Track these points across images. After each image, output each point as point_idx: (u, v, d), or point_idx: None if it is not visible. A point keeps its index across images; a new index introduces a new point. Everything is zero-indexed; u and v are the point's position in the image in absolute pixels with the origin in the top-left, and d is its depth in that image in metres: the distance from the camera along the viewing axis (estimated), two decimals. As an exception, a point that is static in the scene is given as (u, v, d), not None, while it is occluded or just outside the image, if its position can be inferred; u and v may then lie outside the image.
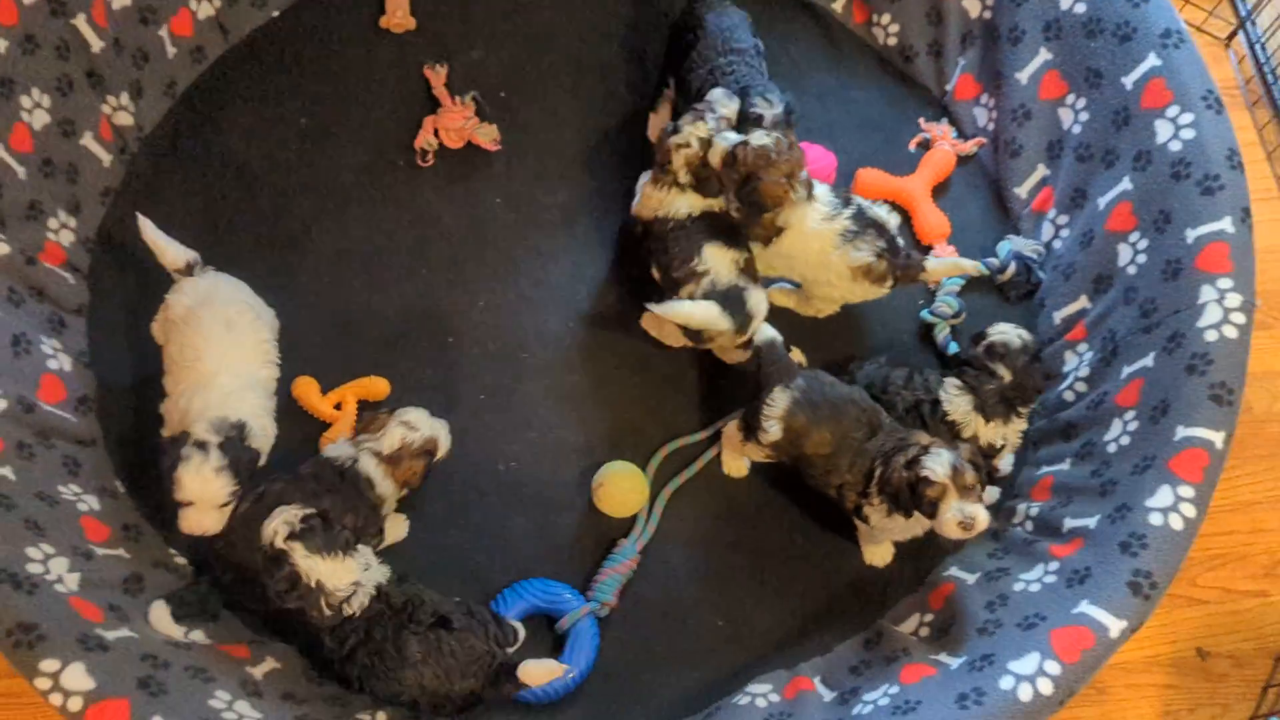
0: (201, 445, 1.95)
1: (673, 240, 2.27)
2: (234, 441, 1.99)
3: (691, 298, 2.22)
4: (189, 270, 2.21)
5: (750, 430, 2.18)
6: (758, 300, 2.23)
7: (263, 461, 2.11)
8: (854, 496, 2.11)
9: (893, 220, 2.33)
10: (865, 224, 2.27)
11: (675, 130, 2.26)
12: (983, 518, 1.93)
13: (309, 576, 1.87)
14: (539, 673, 1.98)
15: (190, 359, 2.08)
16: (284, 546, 1.86)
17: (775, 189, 2.19)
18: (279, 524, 1.87)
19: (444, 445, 2.18)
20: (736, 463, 2.34)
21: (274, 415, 2.17)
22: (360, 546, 1.97)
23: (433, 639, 1.95)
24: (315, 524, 1.90)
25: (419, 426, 2.13)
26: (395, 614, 1.95)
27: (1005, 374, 2.18)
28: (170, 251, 2.19)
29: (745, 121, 2.34)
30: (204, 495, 1.95)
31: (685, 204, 2.28)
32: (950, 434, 2.20)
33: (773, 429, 2.13)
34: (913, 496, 1.95)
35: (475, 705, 2.03)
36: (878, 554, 2.27)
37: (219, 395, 2.04)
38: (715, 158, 2.23)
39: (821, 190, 2.29)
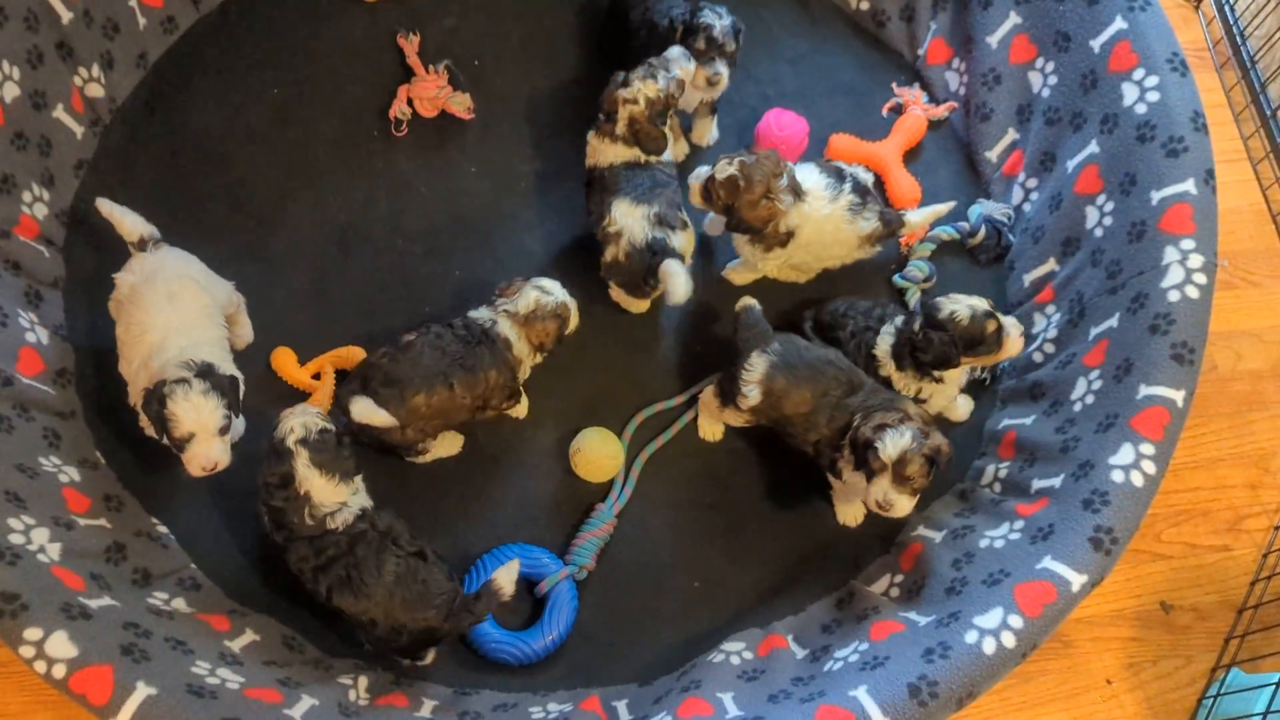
0: (181, 380, 1.97)
1: (593, 194, 2.34)
2: (208, 371, 2.00)
3: (615, 259, 2.30)
4: (143, 245, 2.20)
5: (729, 396, 2.21)
6: (682, 242, 2.29)
7: (242, 344, 2.25)
8: (829, 451, 2.15)
9: (869, 179, 2.40)
10: (862, 192, 2.32)
11: (625, 83, 2.29)
12: (900, 509, 2.01)
13: (301, 484, 1.93)
14: (506, 578, 2.03)
15: (136, 335, 2.09)
16: (291, 447, 1.92)
17: (759, 211, 2.23)
18: (296, 423, 1.94)
19: (573, 314, 2.28)
20: (713, 427, 2.38)
21: (234, 366, 2.18)
22: (356, 478, 2.03)
23: (410, 565, 2.00)
24: (328, 439, 1.96)
25: (552, 291, 2.24)
26: (380, 535, 2.00)
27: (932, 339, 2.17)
28: (127, 223, 2.20)
29: (695, 34, 2.38)
30: (201, 421, 1.96)
31: (612, 155, 2.32)
32: (871, 367, 2.25)
33: (752, 394, 2.16)
34: (856, 455, 2.03)
35: (424, 645, 2.08)
36: (850, 514, 2.31)
37: (174, 353, 2.04)
38: (695, 198, 2.29)
39: (812, 178, 2.31)
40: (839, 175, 2.33)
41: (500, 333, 2.21)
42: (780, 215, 2.25)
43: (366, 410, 2.10)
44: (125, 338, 2.12)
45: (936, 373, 2.20)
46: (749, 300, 2.26)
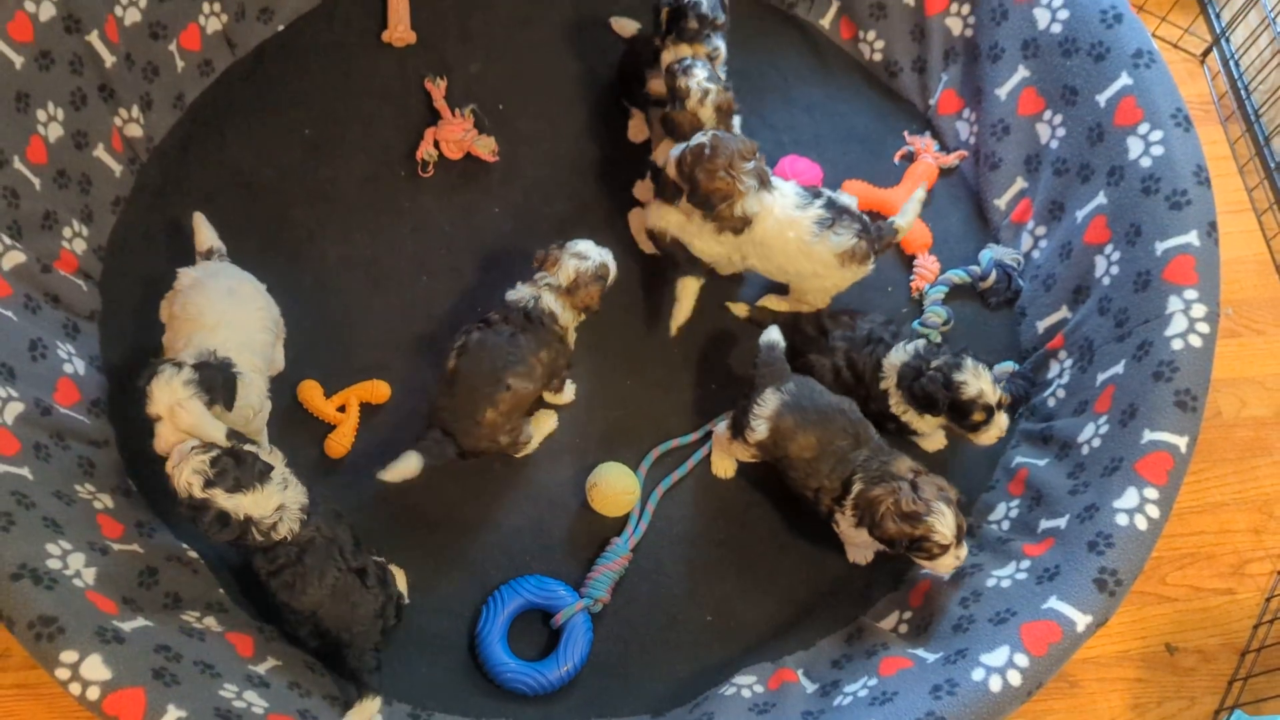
0: (177, 364, 2.04)
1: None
2: (210, 365, 2.06)
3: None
4: (209, 255, 2.36)
5: (738, 428, 2.27)
6: None
7: (259, 416, 2.25)
8: (828, 502, 2.19)
9: (853, 202, 2.46)
10: (838, 210, 2.34)
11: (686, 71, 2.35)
12: (964, 553, 2.10)
13: (238, 513, 1.95)
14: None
15: (193, 314, 2.19)
16: (204, 495, 1.93)
17: (718, 182, 2.25)
18: (190, 475, 1.92)
19: (612, 269, 2.34)
20: (725, 463, 2.43)
21: (267, 379, 2.28)
22: (274, 473, 2.02)
23: (347, 581, 2.06)
24: (227, 464, 1.94)
25: (590, 255, 2.30)
26: (327, 542, 2.06)
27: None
28: (204, 234, 2.38)
29: (683, 15, 2.41)
30: (172, 409, 2.00)
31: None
32: (874, 375, 2.31)
33: (760, 428, 2.21)
34: (910, 547, 2.06)
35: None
36: (860, 553, 2.36)
37: (217, 341, 2.14)
38: (670, 169, 2.32)
39: (788, 185, 2.36)
40: (815, 195, 2.35)
41: (545, 307, 2.27)
42: (738, 195, 2.27)
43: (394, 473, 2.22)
44: (180, 315, 2.21)
45: (920, 412, 2.27)
46: (774, 336, 2.28)
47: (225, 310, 2.21)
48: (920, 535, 2.03)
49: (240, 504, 1.94)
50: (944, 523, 2.02)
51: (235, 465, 1.95)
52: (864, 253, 2.35)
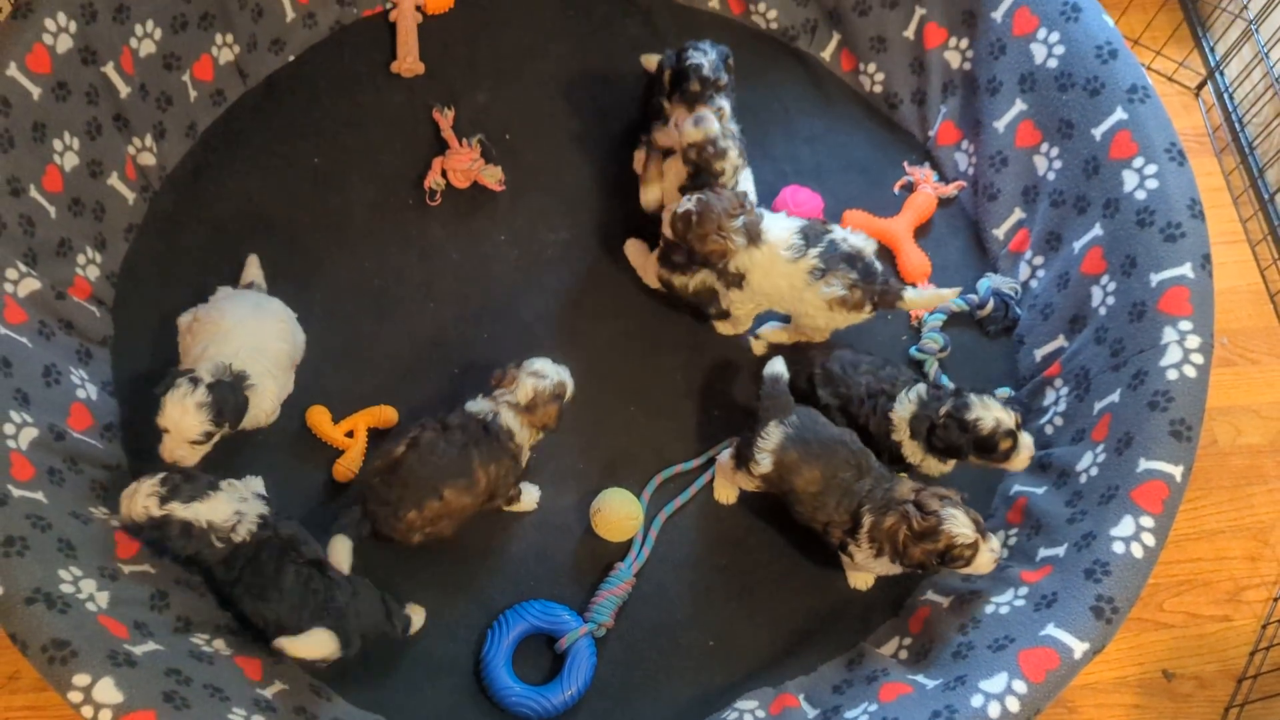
0: (194, 380, 2.12)
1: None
2: (225, 385, 2.15)
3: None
4: (249, 287, 2.51)
5: (742, 460, 2.29)
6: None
7: (270, 419, 2.38)
8: (839, 534, 2.21)
9: (869, 247, 2.38)
10: (835, 259, 2.33)
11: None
12: (997, 543, 2.11)
13: (198, 521, 2.01)
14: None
15: (214, 318, 2.31)
16: (163, 512, 2.00)
17: (710, 245, 2.30)
18: (143, 499, 2.00)
19: (569, 387, 2.33)
20: (727, 490, 2.46)
21: (280, 388, 2.38)
22: (232, 483, 2.11)
23: (304, 574, 2.09)
24: (176, 479, 2.04)
25: (547, 374, 2.28)
26: (282, 543, 2.10)
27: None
28: (252, 271, 2.55)
29: (686, 77, 2.47)
30: (179, 426, 2.12)
31: None
32: (884, 428, 2.32)
33: (764, 461, 2.23)
34: (943, 560, 2.07)
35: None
36: (860, 579, 2.39)
37: (232, 348, 2.23)
38: (666, 229, 2.37)
39: (782, 232, 2.35)
40: (817, 238, 2.34)
41: (502, 424, 2.24)
42: (731, 253, 2.31)
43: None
44: (203, 319, 2.33)
45: (946, 460, 2.29)
46: (778, 368, 2.29)
47: (245, 317, 2.33)
48: (944, 547, 2.05)
49: (198, 511, 2.02)
50: (959, 524, 2.04)
51: (184, 480, 2.05)
52: (855, 303, 2.35)
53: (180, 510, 2.01)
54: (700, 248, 2.31)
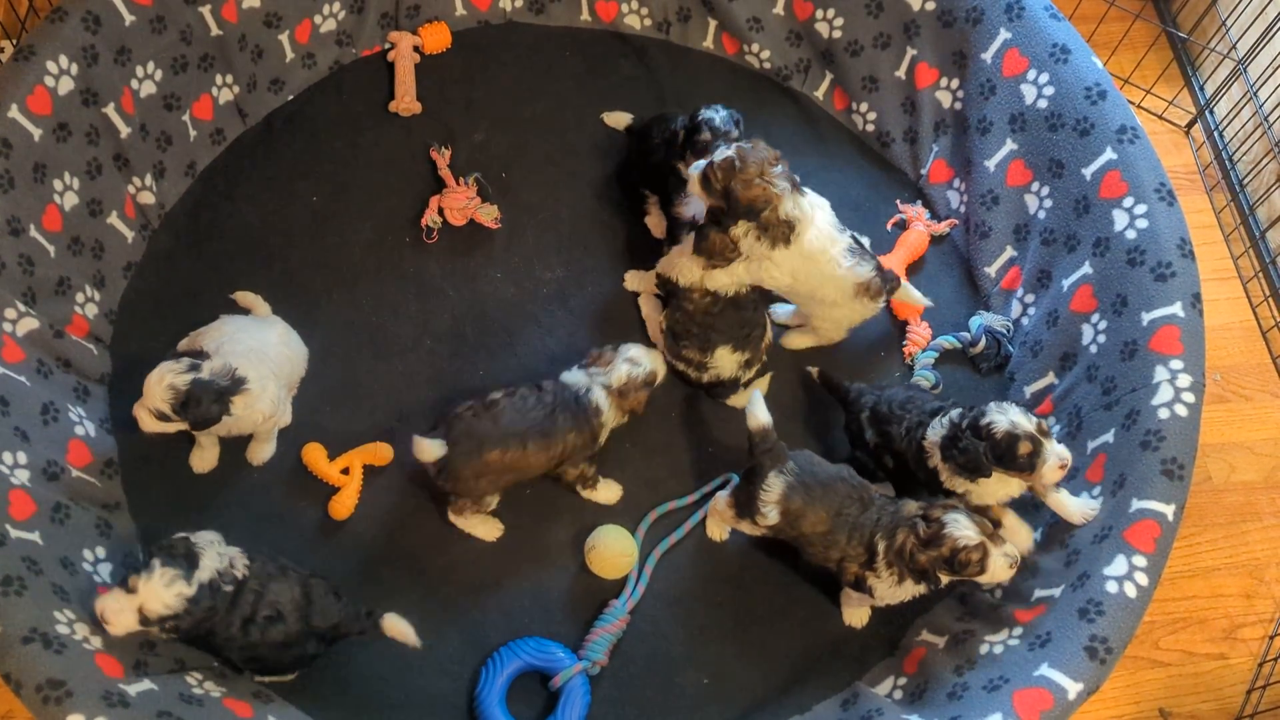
0: (193, 365, 2.17)
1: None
2: (210, 388, 2.16)
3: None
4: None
5: (746, 511, 2.27)
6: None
7: (284, 420, 2.45)
8: (854, 568, 2.19)
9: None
10: (859, 246, 2.45)
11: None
12: (1023, 544, 2.12)
13: (211, 574, 1.99)
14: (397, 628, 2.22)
15: (218, 325, 2.41)
16: (186, 588, 1.95)
17: (755, 190, 2.28)
18: (167, 597, 1.94)
19: (661, 374, 2.40)
20: (719, 528, 2.47)
21: (283, 390, 2.41)
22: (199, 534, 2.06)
23: (307, 581, 2.14)
24: (176, 551, 1.98)
25: (641, 362, 2.36)
26: (278, 567, 2.13)
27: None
28: (261, 309, 2.59)
29: (698, 130, 2.51)
30: (149, 392, 2.14)
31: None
32: (920, 455, 2.27)
33: (771, 514, 2.21)
34: (952, 566, 2.05)
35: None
36: (856, 615, 2.39)
37: (233, 343, 2.30)
38: (695, 187, 2.36)
39: (822, 201, 2.42)
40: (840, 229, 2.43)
41: (593, 400, 2.34)
42: (776, 199, 2.28)
43: (422, 449, 2.24)
44: (213, 327, 2.41)
45: (973, 477, 2.20)
46: (762, 418, 2.26)
47: (248, 323, 2.45)
48: (948, 552, 2.04)
49: (206, 566, 1.99)
50: (960, 527, 2.03)
51: (177, 553, 1.98)
52: (877, 289, 2.44)
53: (199, 575, 1.97)
54: (744, 193, 2.27)
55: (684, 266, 2.45)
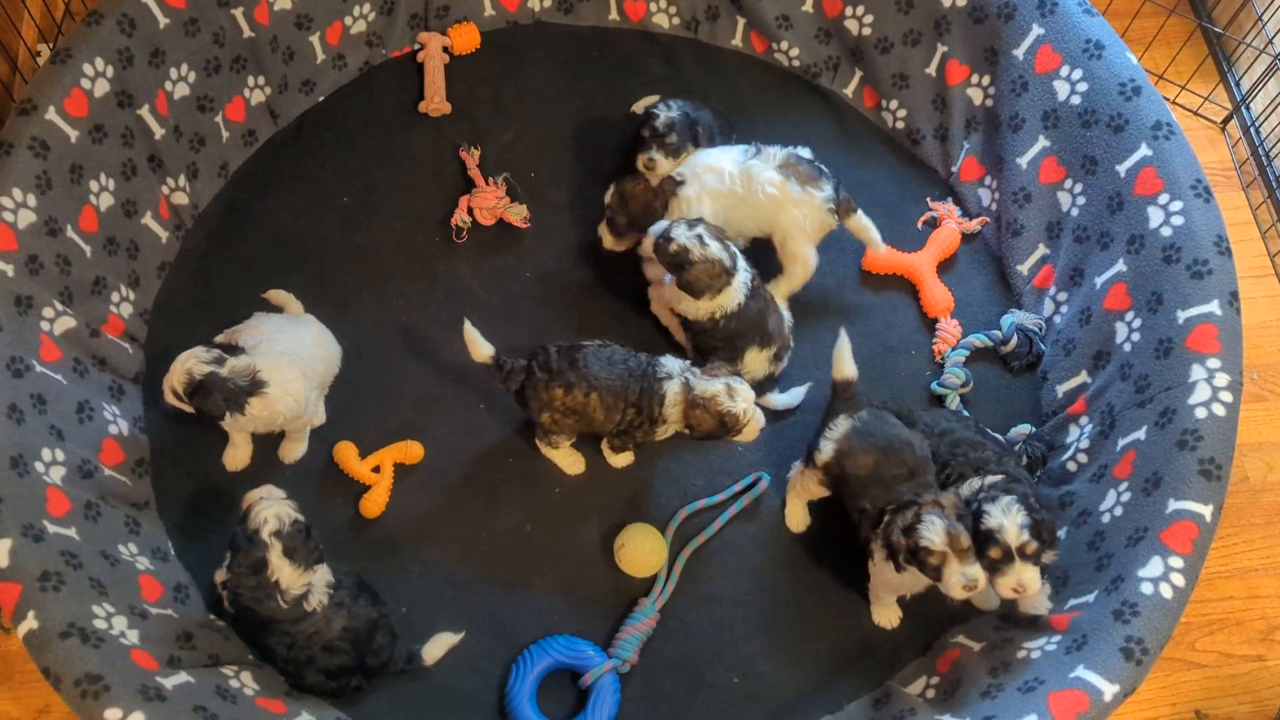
0: (219, 359, 2.22)
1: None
2: (226, 385, 2.20)
3: None
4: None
5: (809, 456, 2.32)
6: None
7: (318, 420, 2.51)
8: (867, 530, 2.22)
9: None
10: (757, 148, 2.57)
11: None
12: (982, 578, 2.04)
13: (273, 573, 2.03)
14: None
15: (256, 322, 2.47)
16: (266, 539, 2.03)
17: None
18: (270, 514, 2.04)
19: (749, 429, 2.30)
20: (798, 515, 2.47)
21: (312, 391, 2.42)
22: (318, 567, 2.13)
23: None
24: (299, 529, 2.06)
25: (736, 398, 2.26)
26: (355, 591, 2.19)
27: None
28: (293, 307, 2.63)
29: (643, 124, 2.58)
30: (173, 369, 2.21)
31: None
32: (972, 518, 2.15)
33: (826, 449, 2.26)
34: (915, 561, 2.07)
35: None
36: (885, 615, 2.37)
37: (266, 344, 2.33)
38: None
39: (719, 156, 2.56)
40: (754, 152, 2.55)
41: (666, 390, 2.31)
42: (669, 191, 2.53)
43: (474, 341, 2.35)
44: (245, 328, 2.47)
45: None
46: (845, 373, 2.30)
47: (284, 323, 2.47)
48: (914, 546, 2.05)
49: (282, 568, 2.04)
50: (930, 529, 2.03)
51: (305, 539, 2.08)
52: (806, 176, 2.52)
53: (274, 555, 2.03)
54: (647, 209, 2.53)
55: (687, 302, 2.47)
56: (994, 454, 2.30)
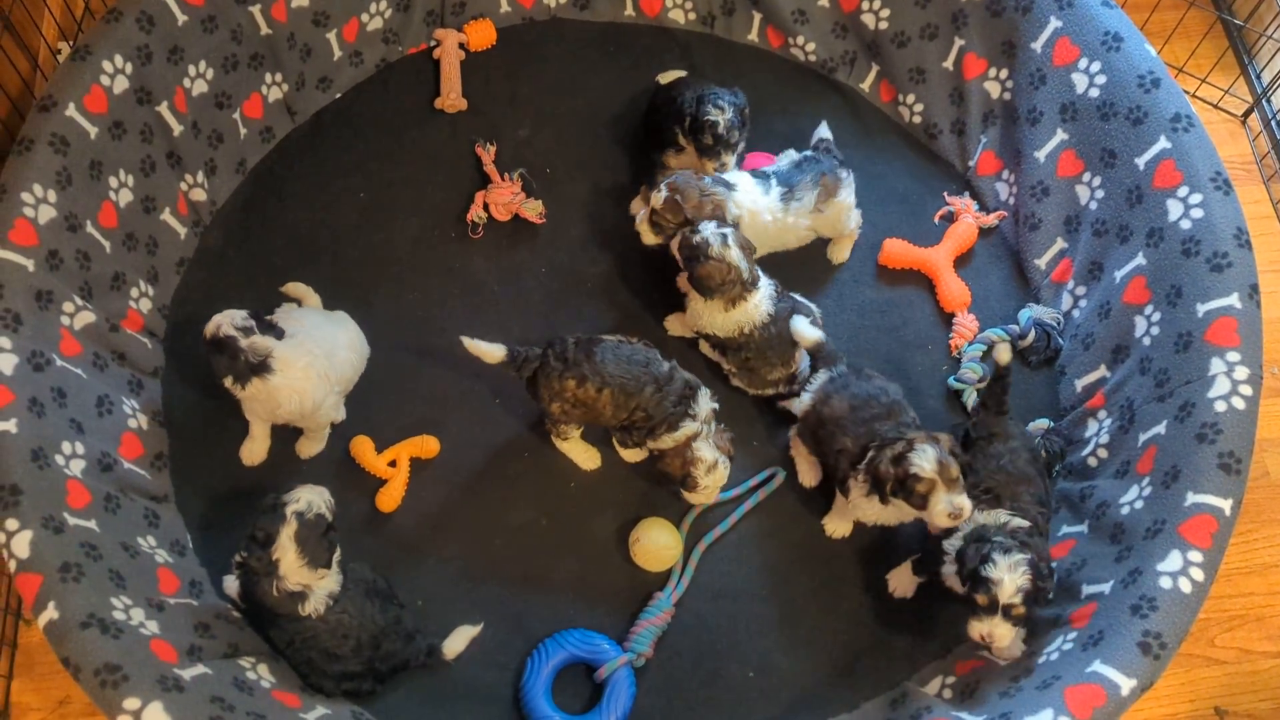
0: (248, 320, 2.26)
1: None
2: (242, 349, 2.24)
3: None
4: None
5: (798, 408, 2.42)
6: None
7: (338, 417, 2.52)
8: (846, 466, 2.25)
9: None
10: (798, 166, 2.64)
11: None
12: (968, 507, 2.08)
13: (276, 550, 2.03)
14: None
15: (301, 313, 2.50)
16: (286, 514, 2.04)
17: (705, 210, 2.47)
18: (303, 495, 2.07)
19: (694, 495, 2.38)
20: (809, 471, 2.49)
21: (332, 397, 2.43)
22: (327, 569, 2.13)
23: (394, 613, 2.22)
24: (320, 524, 2.07)
25: (710, 474, 2.33)
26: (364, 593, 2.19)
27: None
28: (310, 299, 2.65)
29: (701, 130, 2.57)
30: (213, 319, 2.27)
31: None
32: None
33: (805, 399, 2.37)
34: (903, 490, 2.10)
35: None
36: (838, 527, 2.44)
37: (302, 337, 2.34)
38: (648, 238, 2.56)
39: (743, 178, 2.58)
40: (764, 178, 2.58)
41: (682, 429, 2.32)
42: (723, 205, 2.47)
43: (475, 346, 2.36)
44: (299, 310, 2.53)
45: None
46: (810, 338, 2.41)
47: (323, 321, 2.49)
48: (903, 474, 2.09)
49: (287, 551, 2.04)
50: (923, 458, 2.07)
51: (321, 535, 2.07)
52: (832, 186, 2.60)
53: (285, 532, 2.03)
54: (702, 215, 2.45)
55: (708, 317, 2.47)
56: (1033, 497, 2.23)
